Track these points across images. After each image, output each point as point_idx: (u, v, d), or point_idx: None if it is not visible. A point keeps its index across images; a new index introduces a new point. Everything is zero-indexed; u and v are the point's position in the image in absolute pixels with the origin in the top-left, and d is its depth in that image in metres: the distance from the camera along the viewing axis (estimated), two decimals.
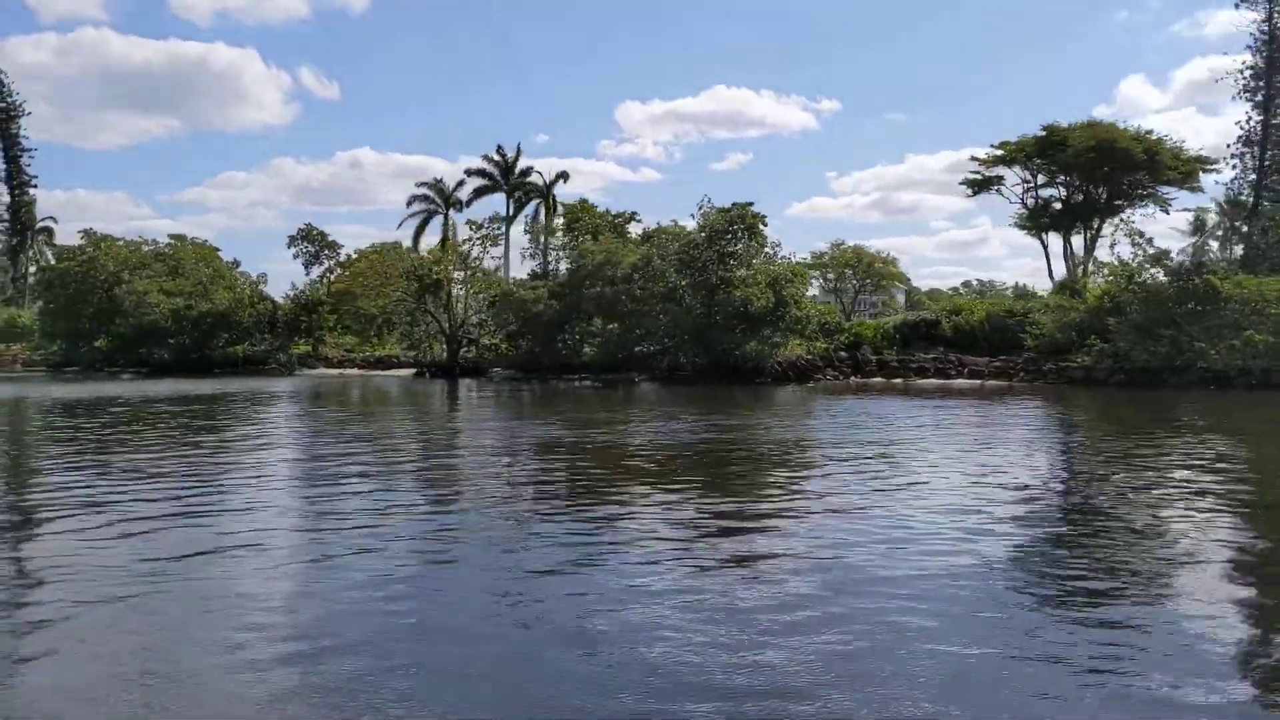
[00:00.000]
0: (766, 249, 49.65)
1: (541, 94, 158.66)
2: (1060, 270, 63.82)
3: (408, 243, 78.52)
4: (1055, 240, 63.68)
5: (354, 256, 70.42)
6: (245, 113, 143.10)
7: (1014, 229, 64.64)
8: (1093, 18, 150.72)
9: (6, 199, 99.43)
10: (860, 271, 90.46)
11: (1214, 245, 69.52)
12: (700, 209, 50.04)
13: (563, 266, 56.26)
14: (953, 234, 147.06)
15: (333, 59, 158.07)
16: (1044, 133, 59.55)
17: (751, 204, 49.30)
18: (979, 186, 62.80)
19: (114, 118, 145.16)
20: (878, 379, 48.45)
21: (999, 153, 62.01)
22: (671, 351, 50.54)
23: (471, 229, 55.17)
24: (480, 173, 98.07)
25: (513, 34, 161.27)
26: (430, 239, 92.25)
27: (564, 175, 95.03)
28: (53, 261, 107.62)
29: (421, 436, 23.08)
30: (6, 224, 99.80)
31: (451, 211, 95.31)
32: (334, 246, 69.94)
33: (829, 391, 41.20)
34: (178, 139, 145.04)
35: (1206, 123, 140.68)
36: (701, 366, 49.37)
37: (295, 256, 68.44)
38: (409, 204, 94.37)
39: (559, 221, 57.86)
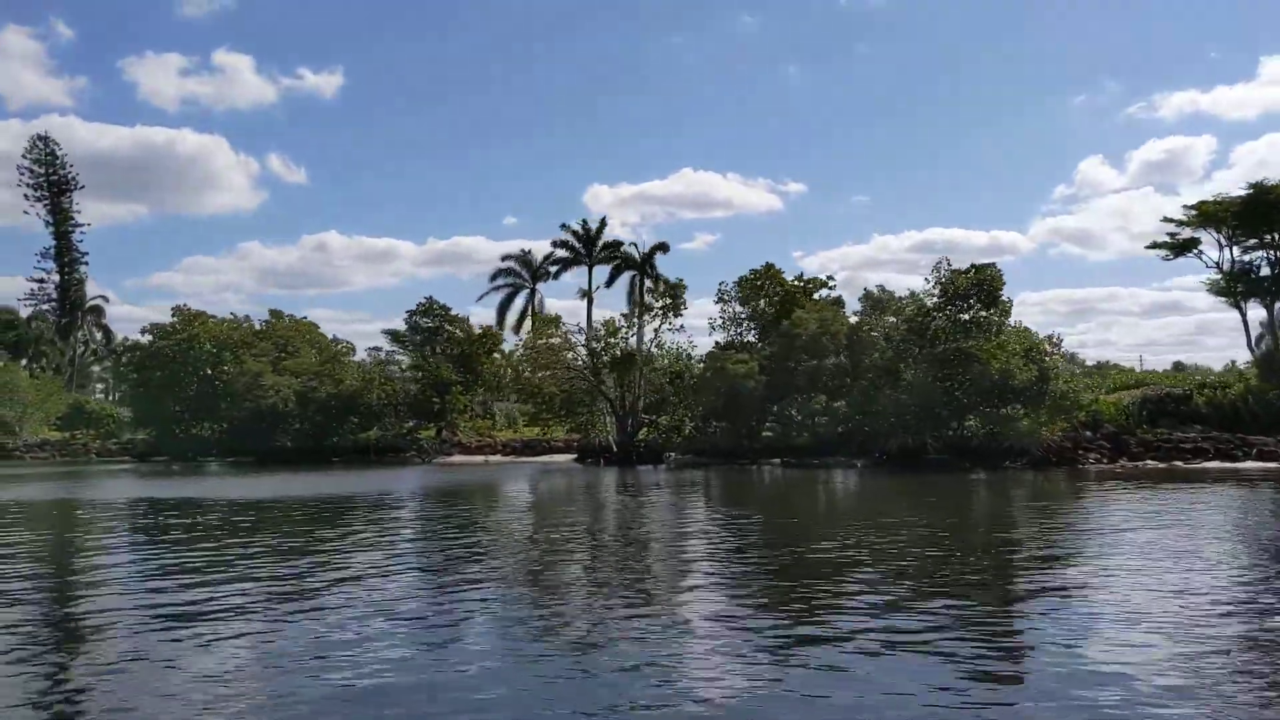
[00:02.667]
0: (1011, 320, 44.14)
1: (509, 177, 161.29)
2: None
3: (475, 313, 73.03)
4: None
5: (480, 333, 64.68)
6: (213, 198, 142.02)
7: (1210, 295, 59.64)
8: (1051, 101, 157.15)
9: (56, 277, 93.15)
10: None
11: None
12: (935, 271, 44.64)
13: (747, 337, 50.52)
14: None
15: (300, 145, 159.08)
16: (1250, 191, 55.05)
17: (993, 264, 44.01)
18: (1177, 250, 57.94)
19: (80, 204, 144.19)
20: (1147, 462, 42.58)
21: (1194, 213, 57.37)
22: (898, 432, 44.57)
23: (653, 296, 49.42)
24: (563, 244, 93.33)
25: (479, 119, 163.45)
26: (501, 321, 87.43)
27: (664, 247, 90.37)
28: (99, 340, 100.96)
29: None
30: (55, 302, 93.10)
31: (539, 284, 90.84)
32: (456, 321, 63.73)
33: (1113, 478, 35.31)
34: (144, 225, 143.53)
35: (1164, 202, 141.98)
36: (937, 448, 43.61)
37: (414, 332, 62.11)
38: (493, 278, 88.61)
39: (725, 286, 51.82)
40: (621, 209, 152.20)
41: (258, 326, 66.08)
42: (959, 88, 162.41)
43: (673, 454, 50.13)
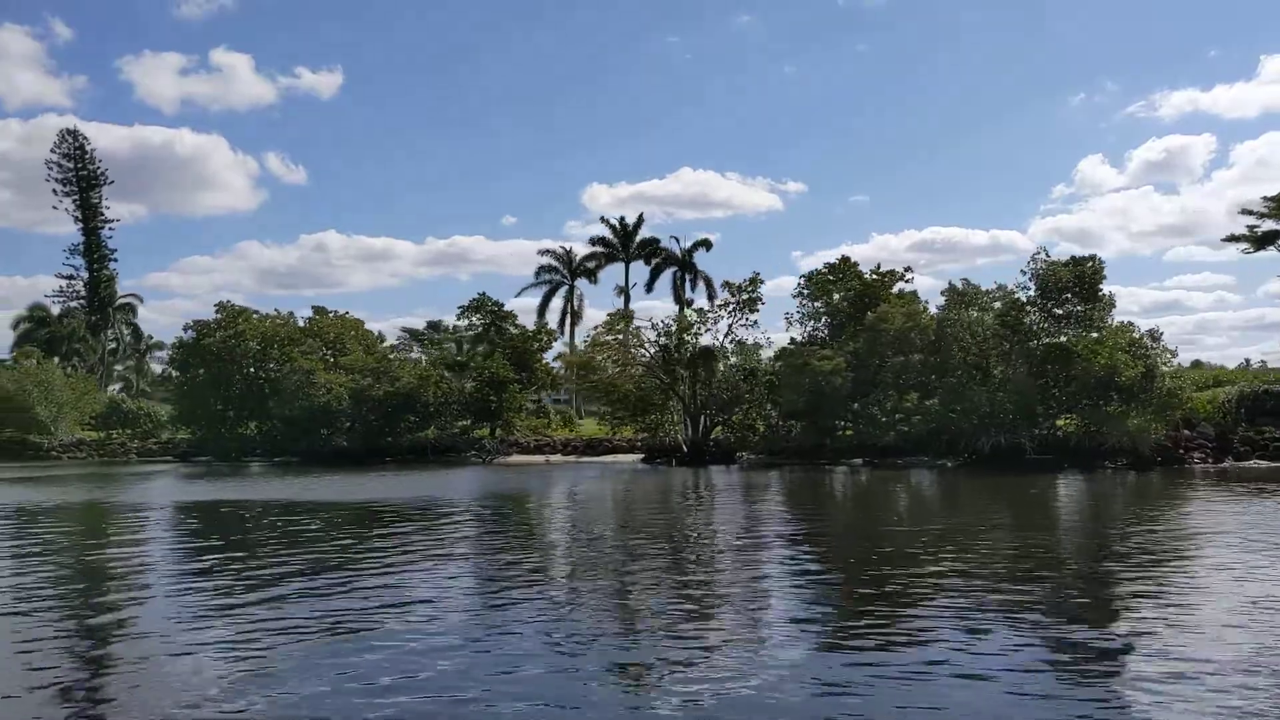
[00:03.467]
0: (1113, 315, 42.42)
1: (508, 176, 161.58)
2: None
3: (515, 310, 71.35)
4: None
5: (535, 330, 62.94)
6: (211, 198, 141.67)
7: None
8: (1050, 100, 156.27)
9: (85, 274, 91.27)
10: None
11: None
12: (1032, 261, 42.88)
13: (814, 333, 48.69)
14: None
15: (299, 144, 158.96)
16: None
17: (1095, 256, 42.28)
18: (1258, 243, 56.03)
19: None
20: (1256, 461, 40.77)
21: (1274, 205, 55.51)
22: (990, 430, 42.79)
23: (730, 292, 47.64)
24: (601, 240, 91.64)
25: (478, 118, 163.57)
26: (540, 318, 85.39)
27: (706, 244, 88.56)
28: (128, 338, 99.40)
29: None
30: (84, 300, 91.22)
31: (579, 281, 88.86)
32: (509, 318, 61.92)
33: (1225, 478, 33.52)
34: (142, 224, 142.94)
35: (1163, 200, 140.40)
36: (1034, 447, 41.95)
37: (468, 329, 60.31)
38: (536, 274, 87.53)
39: (796, 281, 49.95)
40: (620, 208, 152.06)
41: (301, 323, 64.33)
42: (958, 87, 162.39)
43: (744, 454, 48.43)
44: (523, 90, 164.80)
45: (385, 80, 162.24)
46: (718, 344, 48.49)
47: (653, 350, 48.46)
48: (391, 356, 60.14)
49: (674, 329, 47.99)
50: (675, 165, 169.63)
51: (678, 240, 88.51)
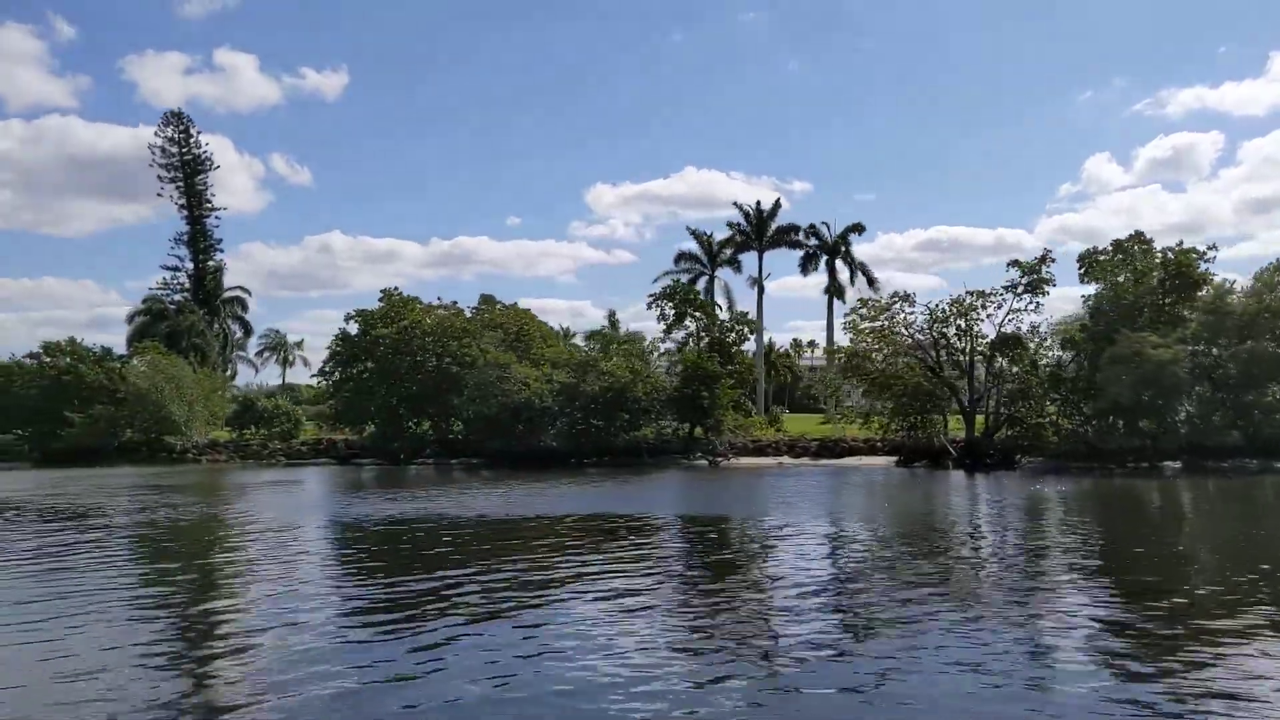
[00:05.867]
0: None
1: (512, 177, 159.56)
2: None
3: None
4: None
5: (736, 318, 57.05)
6: (217, 199, 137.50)
7: None
8: (1057, 98, 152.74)
9: (190, 265, 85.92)
10: None
11: None
12: None
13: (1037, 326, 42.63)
14: None
15: (305, 145, 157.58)
16: None
17: None
18: None
19: (81, 205, 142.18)
20: None
21: None
22: None
23: (1020, 270, 41.63)
24: (733, 227, 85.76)
25: (483, 118, 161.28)
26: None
27: (859, 228, 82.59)
28: (238, 334, 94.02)
29: None
30: (188, 292, 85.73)
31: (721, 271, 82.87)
32: (704, 307, 56.03)
33: None
34: (147, 226, 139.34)
35: (1170, 199, 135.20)
36: None
37: (659, 319, 54.55)
38: (676, 261, 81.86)
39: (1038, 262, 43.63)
40: (624, 208, 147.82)
41: (467, 314, 58.76)
42: (965, 85, 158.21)
43: (1022, 456, 42.43)
44: (527, 91, 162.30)
45: (390, 81, 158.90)
46: (1010, 330, 42.36)
47: (922, 338, 42.53)
48: (616, 348, 54.27)
49: (948, 314, 41.98)
50: (680, 165, 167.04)
51: (828, 226, 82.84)
